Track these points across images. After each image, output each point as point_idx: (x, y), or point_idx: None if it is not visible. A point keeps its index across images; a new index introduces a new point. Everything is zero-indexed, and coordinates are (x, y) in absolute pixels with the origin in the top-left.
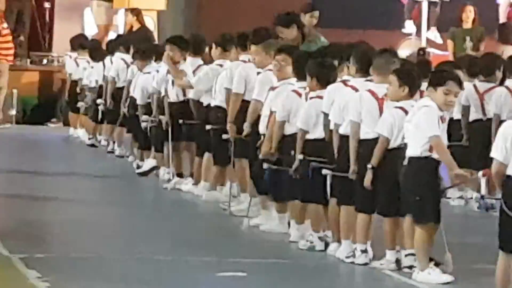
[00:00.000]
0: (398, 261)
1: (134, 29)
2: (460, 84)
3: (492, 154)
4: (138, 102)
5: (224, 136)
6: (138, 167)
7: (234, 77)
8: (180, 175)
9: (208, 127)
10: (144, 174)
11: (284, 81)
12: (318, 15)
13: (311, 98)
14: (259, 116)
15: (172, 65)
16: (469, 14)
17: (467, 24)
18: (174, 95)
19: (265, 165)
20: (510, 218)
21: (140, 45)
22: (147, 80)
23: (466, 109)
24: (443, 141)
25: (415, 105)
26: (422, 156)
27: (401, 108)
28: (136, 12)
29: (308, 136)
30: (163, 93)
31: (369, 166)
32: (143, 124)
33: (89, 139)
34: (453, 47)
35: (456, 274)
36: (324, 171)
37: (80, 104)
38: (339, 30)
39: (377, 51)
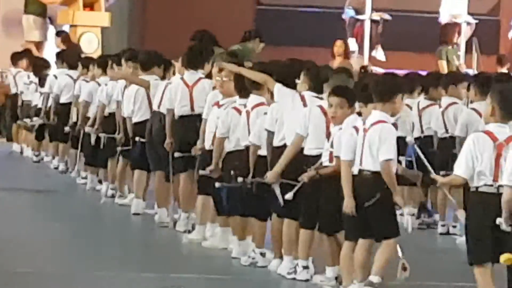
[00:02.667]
0: (337, 278)
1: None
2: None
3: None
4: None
5: (177, 155)
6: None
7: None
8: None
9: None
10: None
11: (229, 99)
12: (263, 44)
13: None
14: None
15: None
16: (456, 34)
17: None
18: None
19: (217, 184)
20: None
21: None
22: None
23: None
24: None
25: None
26: None
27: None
28: (63, 38)
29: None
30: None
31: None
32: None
33: (36, 155)
34: (448, 66)
35: None
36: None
37: (25, 120)
38: (285, 48)
39: (333, 71)
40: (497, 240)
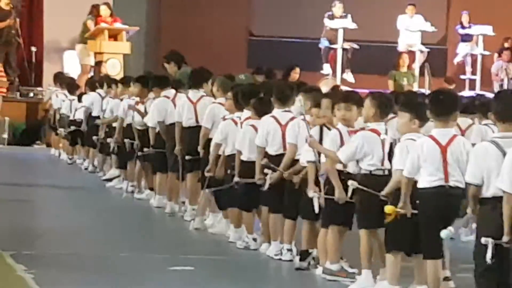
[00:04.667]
0: (314, 258)
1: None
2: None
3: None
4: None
5: (187, 157)
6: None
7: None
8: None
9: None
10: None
11: (232, 114)
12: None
13: (250, 124)
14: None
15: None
16: (405, 59)
17: (403, 68)
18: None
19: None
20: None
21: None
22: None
23: None
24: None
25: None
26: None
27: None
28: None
29: (243, 157)
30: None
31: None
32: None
33: (70, 159)
34: (394, 85)
35: None
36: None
37: (60, 130)
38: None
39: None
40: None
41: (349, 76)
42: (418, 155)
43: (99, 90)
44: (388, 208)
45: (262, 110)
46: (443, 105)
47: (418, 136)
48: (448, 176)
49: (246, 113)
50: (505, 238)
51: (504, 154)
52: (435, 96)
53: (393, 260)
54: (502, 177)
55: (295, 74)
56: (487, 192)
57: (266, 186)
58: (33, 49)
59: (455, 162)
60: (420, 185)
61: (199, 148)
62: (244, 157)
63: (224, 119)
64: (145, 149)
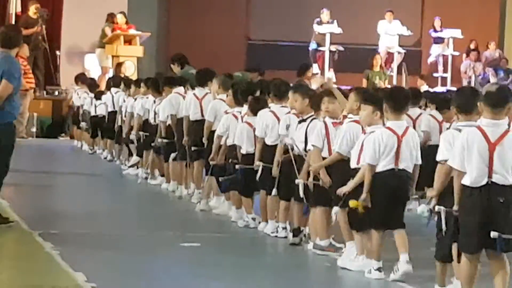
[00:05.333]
0: (305, 235)
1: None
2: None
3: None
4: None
5: (193, 148)
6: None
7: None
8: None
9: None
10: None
11: (233, 109)
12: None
13: (246, 121)
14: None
15: None
16: (378, 60)
17: (376, 68)
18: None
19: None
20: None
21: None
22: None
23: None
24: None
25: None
26: None
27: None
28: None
29: (242, 151)
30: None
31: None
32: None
33: (90, 149)
34: (367, 83)
35: None
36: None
37: (82, 124)
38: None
39: (294, 85)
40: None
41: (330, 75)
42: (379, 144)
43: (115, 89)
44: (352, 203)
45: (257, 108)
46: (399, 101)
47: (379, 127)
48: (398, 161)
49: (245, 108)
50: (455, 207)
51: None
52: (392, 93)
53: (376, 236)
54: (454, 156)
55: (309, 73)
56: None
57: (259, 175)
58: (58, 53)
59: (408, 150)
60: (377, 169)
61: (204, 139)
62: (243, 151)
63: (226, 113)
64: (159, 140)
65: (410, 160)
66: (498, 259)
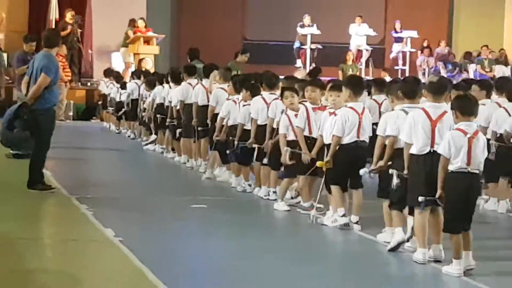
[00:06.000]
0: (292, 198)
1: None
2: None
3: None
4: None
5: (199, 128)
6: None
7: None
8: (173, 150)
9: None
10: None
11: (233, 96)
12: (248, 55)
13: (243, 105)
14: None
15: None
16: (350, 56)
17: (349, 62)
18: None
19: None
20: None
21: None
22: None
23: None
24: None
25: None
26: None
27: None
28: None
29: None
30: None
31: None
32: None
33: (117, 129)
34: (342, 74)
35: None
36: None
37: (109, 109)
38: (260, 65)
39: (284, 77)
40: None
41: (305, 71)
42: (345, 120)
43: (136, 80)
44: (319, 163)
45: (254, 93)
46: (357, 87)
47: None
48: (360, 134)
49: (241, 95)
50: (405, 171)
51: (430, 119)
52: (351, 81)
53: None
54: (403, 131)
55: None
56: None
57: (255, 157)
58: (90, 51)
59: (366, 125)
60: (343, 141)
61: (208, 121)
62: (246, 127)
63: (227, 99)
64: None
65: (368, 133)
66: (435, 214)
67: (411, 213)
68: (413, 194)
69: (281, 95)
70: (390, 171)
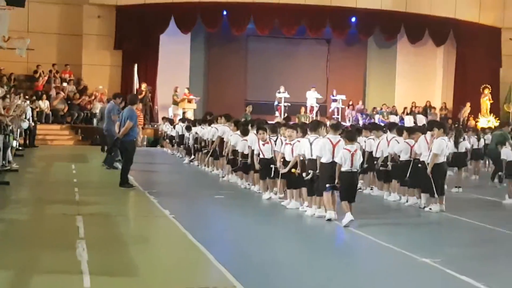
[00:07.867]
0: (276, 194)
1: None
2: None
3: None
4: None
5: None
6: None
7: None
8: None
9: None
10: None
11: (236, 132)
12: (251, 108)
13: (243, 139)
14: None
15: None
16: (303, 110)
17: (302, 112)
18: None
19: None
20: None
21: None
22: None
23: None
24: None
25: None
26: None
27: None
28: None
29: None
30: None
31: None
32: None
33: (171, 153)
34: (298, 120)
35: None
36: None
37: (166, 140)
38: (256, 115)
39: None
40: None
41: (281, 118)
42: (323, 146)
43: (181, 124)
44: (293, 170)
45: (245, 132)
46: (333, 127)
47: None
48: (334, 157)
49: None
50: (317, 172)
51: (332, 143)
52: (332, 124)
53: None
54: (318, 151)
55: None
56: (324, 159)
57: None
58: (156, 107)
59: (337, 152)
60: (322, 160)
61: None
62: (245, 152)
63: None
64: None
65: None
66: (333, 194)
67: (320, 194)
68: (323, 183)
69: (257, 131)
70: (311, 172)
